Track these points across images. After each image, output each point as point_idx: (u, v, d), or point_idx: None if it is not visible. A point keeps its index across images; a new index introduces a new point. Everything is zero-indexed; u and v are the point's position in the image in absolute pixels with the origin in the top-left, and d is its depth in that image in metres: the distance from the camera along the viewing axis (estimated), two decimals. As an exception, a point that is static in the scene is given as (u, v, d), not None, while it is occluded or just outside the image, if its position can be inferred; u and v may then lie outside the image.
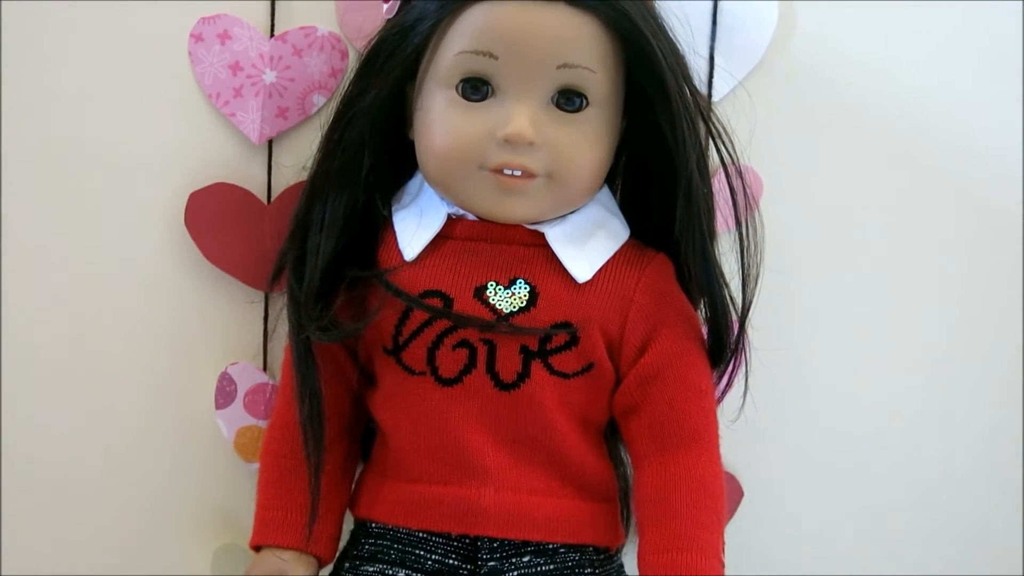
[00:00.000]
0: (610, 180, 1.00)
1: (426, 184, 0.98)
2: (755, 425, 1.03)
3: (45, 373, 1.12)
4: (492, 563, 0.95)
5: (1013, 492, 1.17)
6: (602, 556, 0.98)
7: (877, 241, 1.13)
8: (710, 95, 1.08)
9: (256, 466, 1.03)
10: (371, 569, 0.97)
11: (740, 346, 0.98)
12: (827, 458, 1.16)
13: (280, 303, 1.02)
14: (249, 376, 1.12)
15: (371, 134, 0.96)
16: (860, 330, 1.14)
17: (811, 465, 1.16)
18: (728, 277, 0.98)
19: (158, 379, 1.13)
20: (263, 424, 1.09)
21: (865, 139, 1.12)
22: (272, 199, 1.09)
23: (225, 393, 1.11)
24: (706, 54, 1.07)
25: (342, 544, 1.02)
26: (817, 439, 1.16)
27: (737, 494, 1.14)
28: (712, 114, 0.97)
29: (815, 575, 1.17)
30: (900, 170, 1.12)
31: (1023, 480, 1.17)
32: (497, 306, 0.94)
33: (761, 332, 1.00)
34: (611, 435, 1.02)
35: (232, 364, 1.11)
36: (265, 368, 1.12)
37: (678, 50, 0.95)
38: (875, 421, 1.16)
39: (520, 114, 0.91)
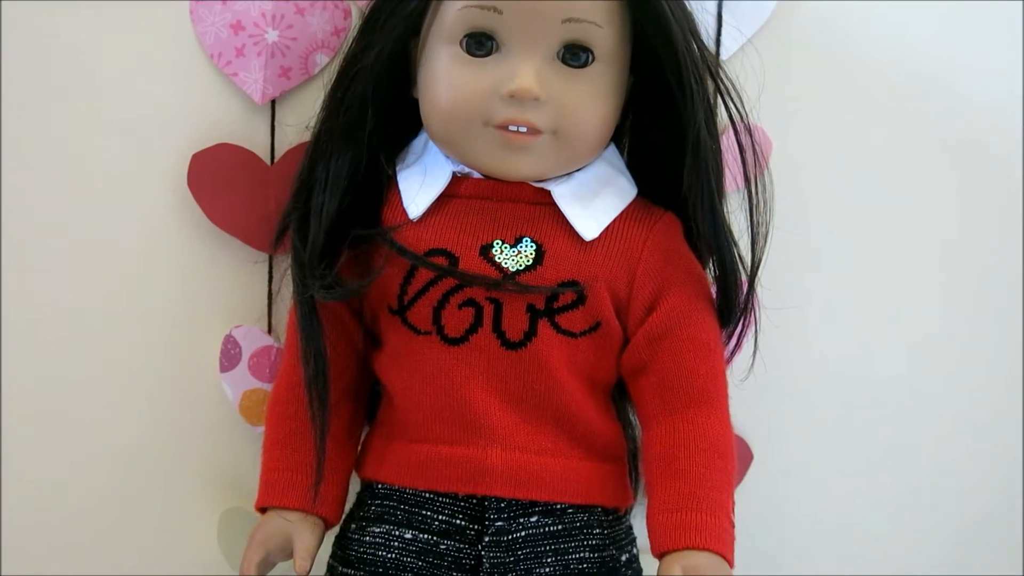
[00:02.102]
0: (617, 138, 0.99)
1: (431, 142, 0.97)
2: (764, 385, 1.02)
3: (47, 336, 1.11)
4: (499, 523, 0.95)
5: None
6: (611, 517, 0.98)
7: (886, 199, 1.13)
8: (718, 53, 1.07)
9: (261, 429, 1.03)
10: (378, 530, 0.97)
11: (749, 305, 0.98)
12: (837, 419, 1.15)
13: (284, 265, 1.02)
14: (253, 339, 1.11)
15: (375, 92, 0.95)
16: (870, 289, 1.14)
17: (821, 426, 1.15)
18: (737, 236, 0.98)
19: (162, 343, 1.12)
20: (268, 387, 1.09)
21: (874, 97, 1.11)
22: (275, 159, 1.09)
23: (229, 356, 1.11)
24: (714, 11, 1.07)
25: (348, 506, 1.01)
26: (827, 399, 1.15)
27: (747, 456, 1.14)
28: (720, 70, 0.96)
29: (824, 538, 1.17)
30: (909, 128, 1.12)
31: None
32: (503, 264, 0.93)
33: (770, 291, 1.00)
34: (619, 396, 1.01)
35: (236, 327, 1.10)
36: (270, 331, 1.11)
37: (685, 5, 0.94)
38: (885, 382, 1.15)
39: (525, 69, 0.90)
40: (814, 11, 1.09)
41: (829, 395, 1.15)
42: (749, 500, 1.08)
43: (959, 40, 1.11)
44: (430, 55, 0.93)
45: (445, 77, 0.92)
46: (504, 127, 0.91)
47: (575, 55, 0.91)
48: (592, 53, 0.91)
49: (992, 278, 1.15)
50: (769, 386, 1.04)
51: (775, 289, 1.00)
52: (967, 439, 1.17)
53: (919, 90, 1.11)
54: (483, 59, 0.91)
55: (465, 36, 0.91)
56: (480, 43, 0.91)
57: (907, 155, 1.12)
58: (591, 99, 0.92)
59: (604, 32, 0.91)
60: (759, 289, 0.98)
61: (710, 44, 1.05)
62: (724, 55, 1.07)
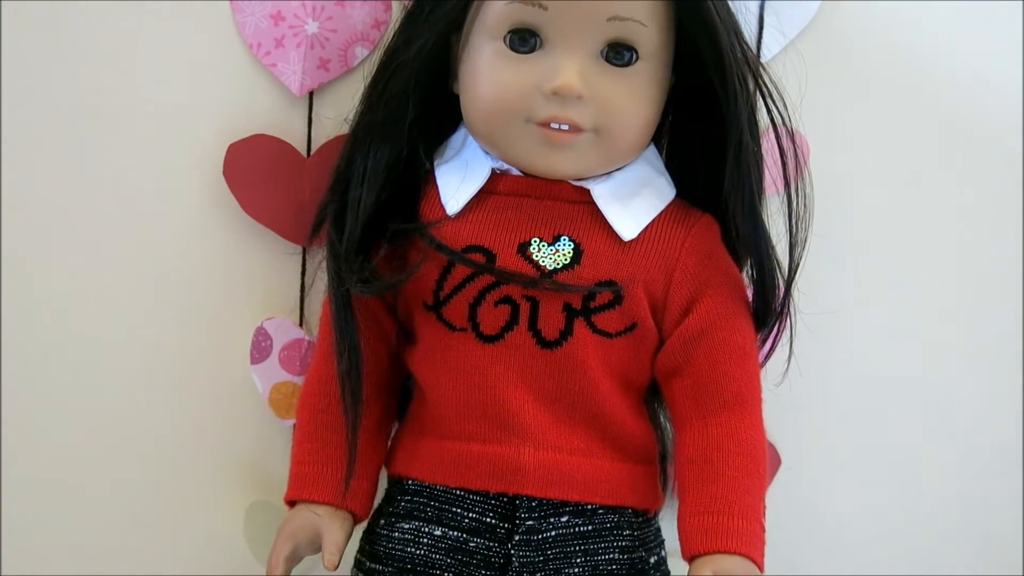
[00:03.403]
0: (656, 139, 0.99)
1: (470, 138, 0.97)
2: (797, 391, 1.02)
3: (79, 325, 1.11)
4: (530, 522, 0.94)
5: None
6: (640, 518, 0.97)
7: (926, 206, 1.12)
8: (759, 54, 1.06)
9: (290, 423, 1.03)
10: (407, 526, 0.96)
11: (785, 309, 0.97)
12: (867, 426, 1.15)
13: (318, 258, 1.01)
14: (285, 331, 1.11)
15: (415, 86, 0.94)
16: (908, 298, 1.13)
17: (851, 433, 1.15)
18: (775, 240, 0.97)
19: (193, 333, 1.12)
20: (298, 380, 1.09)
21: (917, 103, 1.11)
22: (312, 152, 1.08)
23: (260, 348, 1.10)
24: (756, 12, 1.06)
25: (377, 501, 1.01)
26: (858, 406, 1.15)
27: (775, 462, 1.13)
28: (763, 71, 0.96)
29: (850, 545, 1.17)
30: (951, 135, 1.11)
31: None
32: (541, 263, 0.93)
33: (807, 296, 0.99)
34: (651, 398, 1.01)
35: (268, 319, 1.10)
36: (301, 324, 1.11)
37: (730, 6, 0.94)
38: (919, 390, 1.15)
39: (569, 67, 0.89)
40: (857, 13, 1.08)
41: (860, 402, 1.15)
42: (776, 505, 1.07)
43: (1009, 45, 1.10)
44: (473, 50, 0.93)
45: (488, 73, 0.92)
46: (546, 124, 0.90)
47: (619, 54, 0.91)
48: (636, 52, 0.91)
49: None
50: (800, 391, 1.03)
51: (812, 294, 0.99)
52: (1005, 450, 1.16)
53: (961, 96, 1.11)
54: (526, 55, 0.91)
55: (509, 32, 0.91)
56: (524, 39, 0.91)
57: (948, 163, 1.12)
58: (634, 98, 0.92)
59: (648, 31, 0.90)
60: (796, 293, 0.97)
61: (752, 45, 1.05)
62: (766, 56, 1.07)
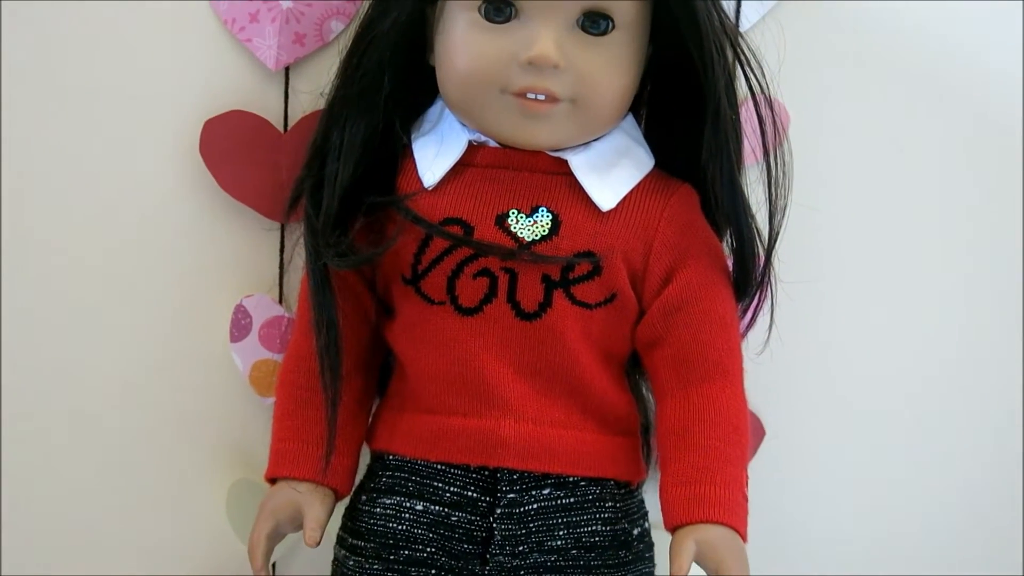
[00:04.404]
0: (634, 109, 0.99)
1: (447, 110, 0.96)
2: (779, 360, 1.01)
3: (56, 304, 1.11)
4: (512, 495, 0.94)
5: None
6: (623, 490, 0.97)
7: (905, 173, 1.12)
8: (738, 24, 1.06)
9: (271, 401, 1.02)
10: (389, 501, 0.96)
11: (766, 278, 0.97)
12: (851, 395, 1.15)
13: (296, 234, 1.01)
14: (265, 308, 1.10)
15: (391, 59, 0.94)
16: (888, 264, 1.13)
17: (835, 402, 1.15)
18: (754, 209, 0.97)
19: (172, 312, 1.11)
20: (278, 358, 1.08)
21: (895, 73, 1.10)
22: (289, 127, 1.08)
23: (240, 326, 1.10)
24: (732, -20, 1.06)
25: (359, 478, 1.01)
26: (842, 375, 1.15)
27: (759, 432, 1.13)
28: (741, 40, 0.95)
29: (835, 514, 1.17)
30: (930, 102, 1.11)
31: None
32: (519, 234, 0.93)
33: (787, 265, 0.99)
34: (632, 369, 1.01)
35: (247, 296, 1.10)
36: (281, 300, 1.11)
37: None
38: (902, 359, 1.15)
39: (544, 36, 0.89)
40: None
41: (843, 371, 1.15)
42: (760, 475, 1.07)
43: (984, 17, 1.10)
44: (448, 21, 0.92)
45: (463, 43, 0.91)
46: (522, 95, 0.90)
47: (595, 23, 0.90)
48: (612, 21, 0.91)
49: (1014, 255, 1.14)
50: (783, 361, 1.03)
51: (791, 263, 0.99)
52: (985, 418, 1.16)
53: (941, 66, 1.11)
54: (502, 25, 0.90)
55: (484, 2, 0.90)
56: (499, 9, 0.90)
57: (926, 131, 1.12)
58: (611, 68, 0.91)
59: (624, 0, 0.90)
60: (776, 262, 0.97)
61: (730, 14, 1.05)
62: (744, 26, 1.06)
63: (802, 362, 1.13)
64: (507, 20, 0.90)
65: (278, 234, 1.09)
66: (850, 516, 1.17)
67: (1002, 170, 1.13)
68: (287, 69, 1.07)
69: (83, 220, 1.10)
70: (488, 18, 0.90)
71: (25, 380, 1.12)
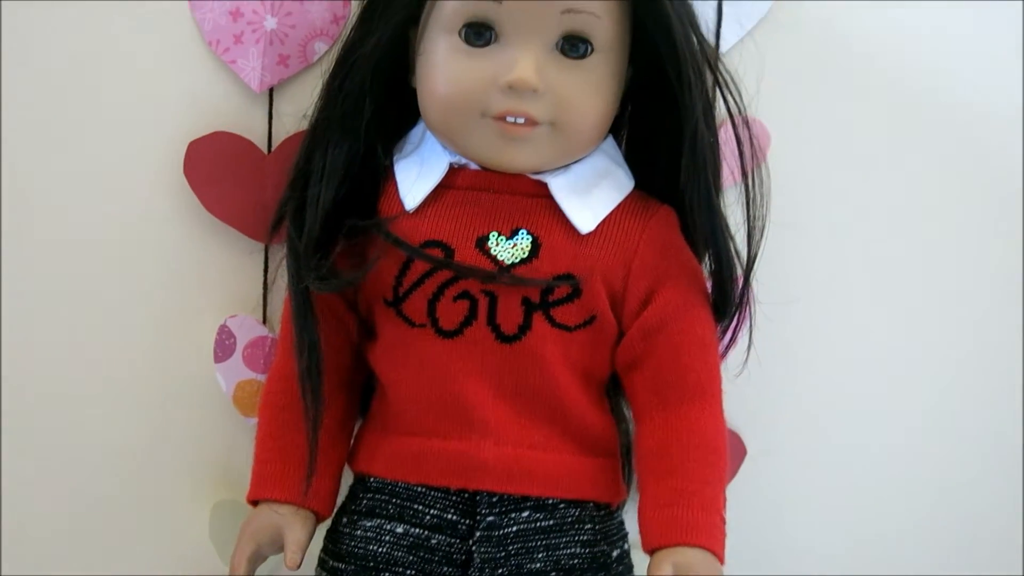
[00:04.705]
0: (615, 130, 0.99)
1: (428, 133, 0.96)
2: (759, 381, 1.03)
3: (41, 324, 1.11)
4: (491, 518, 0.94)
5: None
6: (602, 512, 0.97)
7: (884, 195, 1.13)
8: (718, 45, 1.07)
9: (255, 420, 1.02)
10: (369, 524, 0.96)
11: (745, 300, 0.97)
12: (832, 414, 1.15)
13: (280, 254, 1.01)
14: (248, 329, 1.11)
15: (373, 81, 0.94)
16: (867, 285, 1.14)
17: (815, 422, 1.15)
18: (733, 230, 0.97)
19: (156, 332, 1.12)
20: (262, 378, 1.08)
21: (873, 92, 1.11)
22: (272, 148, 1.08)
23: (224, 346, 1.10)
24: (714, 3, 1.06)
25: (340, 499, 1.01)
26: (822, 395, 1.15)
27: (740, 452, 1.13)
28: (719, 63, 0.96)
29: (818, 533, 1.17)
30: (907, 122, 1.12)
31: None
32: (499, 257, 0.93)
33: (766, 286, 1.00)
34: (613, 390, 1.01)
35: (231, 317, 1.10)
36: (265, 321, 1.11)
37: None
38: (881, 378, 1.15)
39: (524, 60, 0.89)
40: (814, 5, 1.08)
41: (823, 390, 1.15)
42: (742, 495, 1.07)
43: (959, 36, 1.11)
44: (429, 45, 0.93)
45: (443, 67, 0.91)
46: (502, 118, 0.90)
47: (574, 46, 0.91)
48: (591, 44, 0.91)
49: (991, 275, 1.15)
50: (763, 381, 1.04)
51: (770, 284, 1.00)
52: (965, 435, 1.17)
53: (918, 85, 1.11)
54: (482, 49, 0.91)
55: (464, 26, 0.91)
56: (479, 33, 0.91)
57: (905, 150, 1.12)
58: (589, 91, 0.92)
59: (603, 23, 0.90)
60: (755, 283, 0.97)
61: (710, 37, 1.05)
62: (723, 47, 1.07)
63: (783, 381, 1.13)
64: (487, 44, 0.91)
65: (262, 255, 1.10)
66: (832, 533, 1.17)
67: (983, 187, 1.13)
68: (271, 90, 1.08)
69: (68, 240, 1.10)
70: (468, 42, 0.91)
71: (10, 399, 1.12)
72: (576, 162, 0.95)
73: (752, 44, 1.06)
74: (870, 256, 1.13)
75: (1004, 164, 1.13)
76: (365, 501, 0.97)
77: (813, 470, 1.16)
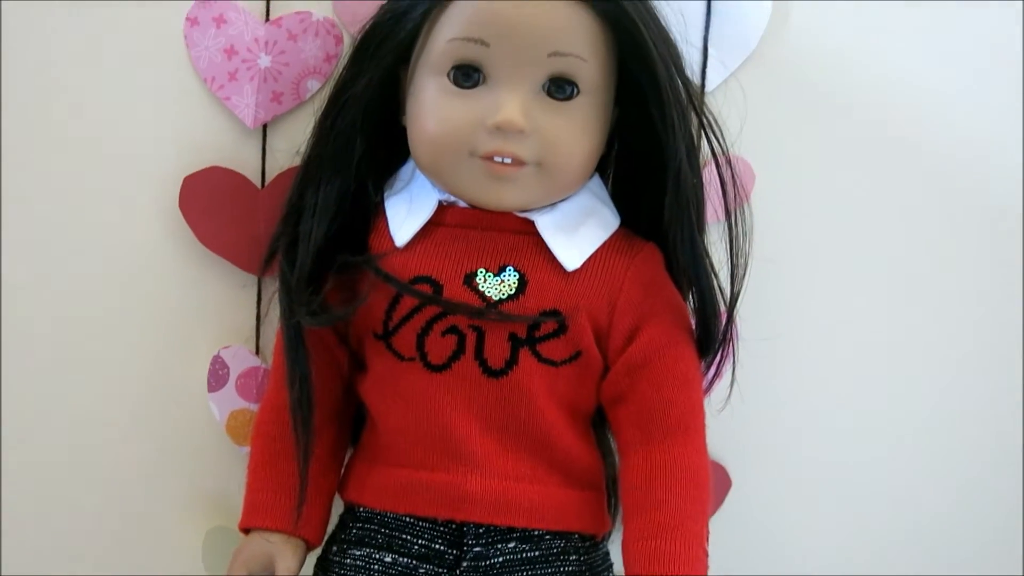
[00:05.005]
0: (602, 169, 1.00)
1: (418, 170, 0.98)
2: (742, 415, 1.04)
3: (39, 354, 1.13)
4: (478, 548, 0.96)
5: (1013, 489, 1.18)
6: (587, 543, 0.99)
7: (867, 233, 1.14)
8: (703, 85, 1.08)
9: (247, 449, 1.04)
10: (358, 552, 0.98)
11: (728, 336, 0.99)
12: (815, 448, 1.16)
13: (273, 287, 1.02)
14: (242, 359, 1.12)
15: (364, 120, 0.96)
16: (848, 321, 1.15)
17: (799, 455, 1.16)
18: (717, 267, 0.98)
19: (151, 361, 1.13)
20: (255, 407, 1.10)
21: (856, 131, 1.12)
22: (266, 183, 1.10)
23: (217, 376, 1.12)
24: (699, 44, 1.08)
25: (331, 527, 1.02)
26: (805, 429, 1.16)
27: (725, 483, 1.15)
28: (704, 106, 0.98)
29: (803, 565, 1.18)
30: (890, 162, 1.13)
31: (1023, 479, 1.18)
32: (486, 293, 0.94)
33: (749, 322, 1.01)
34: (599, 423, 1.02)
35: (225, 347, 1.12)
36: (258, 352, 1.12)
37: (671, 39, 0.95)
38: (862, 412, 1.16)
39: (511, 102, 0.91)
40: (797, 45, 1.10)
41: (806, 425, 1.16)
42: (727, 526, 1.10)
43: (942, 75, 1.12)
44: (418, 85, 0.95)
45: (432, 107, 0.93)
46: (489, 158, 0.92)
47: (560, 88, 0.92)
48: (577, 86, 0.92)
49: (976, 313, 1.16)
50: (747, 415, 1.05)
51: (753, 320, 1.02)
52: (953, 466, 1.18)
53: (902, 123, 1.12)
54: (470, 90, 0.92)
55: (453, 68, 0.92)
56: (467, 75, 0.92)
57: (888, 188, 1.13)
58: (575, 132, 0.93)
59: (589, 66, 0.92)
60: (738, 320, 0.99)
61: (695, 78, 1.07)
62: (708, 87, 1.08)
63: (767, 416, 1.14)
64: (475, 85, 0.92)
65: (255, 287, 1.11)
66: (816, 563, 1.18)
67: (966, 225, 1.14)
68: (264, 126, 1.09)
69: (65, 272, 1.12)
70: (457, 83, 0.92)
71: (9, 428, 1.14)
72: (563, 200, 0.97)
73: (736, 84, 1.07)
74: (852, 292, 1.14)
75: (993, 207, 1.14)
76: (355, 530, 0.99)
77: (797, 502, 1.17)
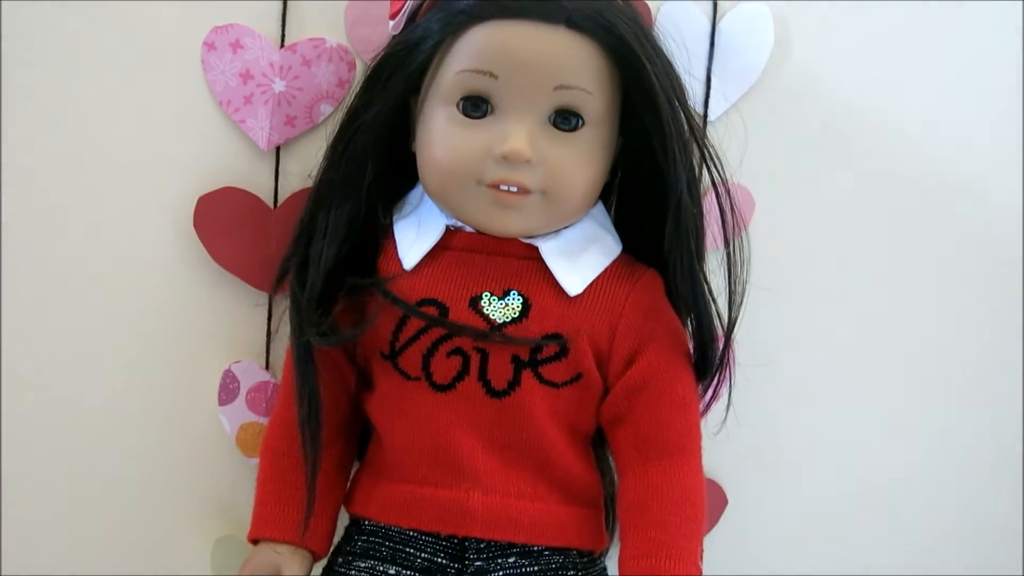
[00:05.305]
0: (605, 196, 1.03)
1: (426, 195, 1.00)
2: (739, 436, 1.05)
3: (56, 366, 1.15)
4: (479, 563, 0.98)
5: (1013, 493, 1.20)
6: (585, 559, 1.01)
7: (866, 262, 1.16)
8: (706, 116, 1.11)
9: (256, 461, 1.06)
10: (363, 565, 1.00)
11: (725, 361, 1.01)
12: (809, 468, 1.19)
13: (283, 304, 1.04)
14: (252, 374, 1.14)
15: (374, 146, 0.98)
16: (843, 346, 1.17)
17: (794, 475, 1.18)
18: (716, 293, 1.00)
19: (164, 375, 1.15)
20: (264, 421, 1.13)
21: (854, 162, 1.14)
22: (278, 204, 1.12)
23: (228, 390, 1.14)
24: (701, 76, 1.10)
25: (337, 539, 1.04)
26: (799, 450, 1.18)
27: (721, 502, 1.17)
28: (706, 139, 0.99)
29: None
30: (886, 192, 1.15)
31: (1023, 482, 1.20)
32: (491, 316, 0.97)
33: (745, 347, 1.03)
34: (599, 443, 1.04)
35: (235, 362, 1.14)
36: (267, 367, 1.14)
37: (674, 74, 0.98)
38: (856, 435, 1.18)
39: (517, 132, 0.93)
40: (798, 77, 1.12)
41: (800, 447, 1.18)
42: (722, 544, 1.12)
43: (941, 103, 1.14)
44: (428, 114, 0.97)
45: (441, 137, 0.95)
46: (496, 186, 0.94)
47: (566, 119, 0.95)
48: (582, 118, 0.95)
49: (976, 344, 1.17)
50: (742, 438, 1.07)
51: (749, 346, 1.04)
52: (943, 491, 1.20)
53: (900, 154, 1.14)
54: (478, 121, 0.94)
55: (462, 99, 0.94)
56: (476, 105, 0.94)
57: (886, 218, 1.15)
58: (579, 162, 0.95)
59: (594, 99, 0.94)
60: (735, 345, 1.01)
61: (699, 107, 1.09)
62: (710, 117, 1.11)
63: (762, 438, 1.16)
64: (483, 116, 0.94)
65: (266, 305, 1.13)
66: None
67: (964, 254, 1.16)
68: (278, 149, 1.11)
69: (84, 288, 1.14)
70: (466, 113, 0.95)
71: (20, 439, 1.16)
72: (566, 227, 0.99)
73: (737, 115, 1.09)
74: (846, 319, 1.16)
75: (993, 234, 1.16)
76: (360, 543, 1.01)
77: (791, 520, 1.19)
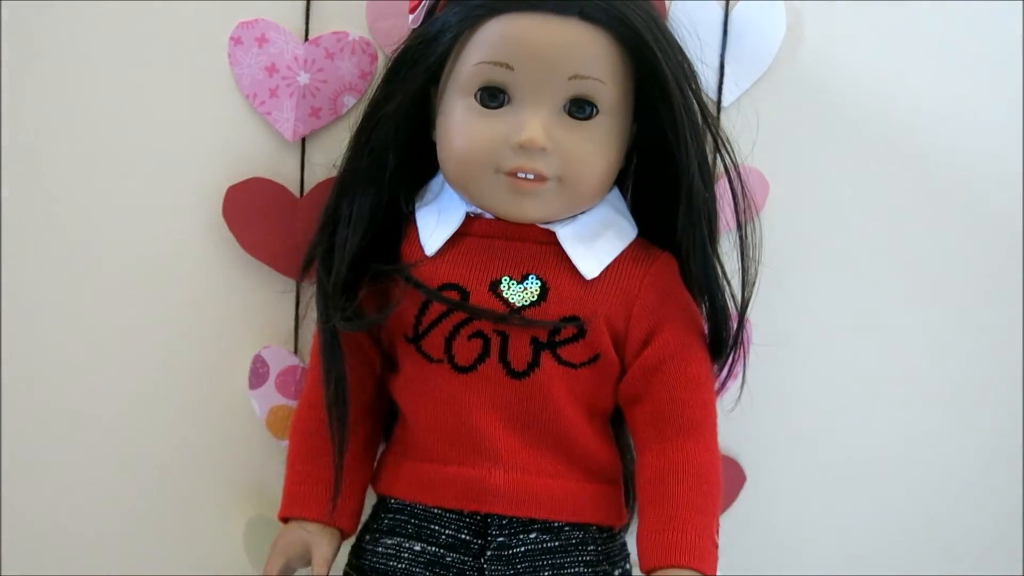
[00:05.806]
0: (621, 181, 1.05)
1: (447, 184, 1.02)
2: (755, 414, 1.08)
3: (92, 354, 1.18)
4: (501, 539, 1.01)
5: (1013, 484, 1.22)
6: (605, 534, 1.03)
7: (876, 243, 1.17)
8: (720, 102, 1.12)
9: (286, 443, 1.08)
10: (390, 542, 1.03)
11: (738, 342, 1.03)
12: (823, 444, 1.20)
13: (310, 291, 1.06)
14: (281, 358, 1.17)
15: (396, 136, 1.01)
16: (855, 325, 1.18)
17: (808, 451, 1.20)
18: (730, 274, 1.02)
19: (196, 360, 1.18)
20: (293, 403, 1.15)
21: (865, 144, 1.16)
22: (304, 193, 1.14)
23: (258, 374, 1.16)
24: (713, 64, 1.12)
25: (364, 517, 1.07)
26: (813, 427, 1.20)
27: (739, 478, 1.19)
28: (719, 127, 1.02)
29: (812, 556, 1.22)
30: (902, 175, 1.16)
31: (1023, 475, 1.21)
32: (510, 300, 0.99)
33: (759, 328, 1.05)
34: (618, 421, 1.07)
35: (265, 347, 1.16)
36: (296, 351, 1.17)
37: (686, 63, 1.00)
38: (868, 412, 1.20)
39: (534, 122, 0.95)
40: (810, 63, 1.13)
41: (814, 426, 1.20)
42: (740, 519, 1.15)
43: (952, 91, 1.15)
44: (447, 105, 0.99)
45: (460, 127, 0.98)
46: (513, 174, 0.96)
47: (580, 108, 0.97)
48: (596, 107, 0.97)
49: (987, 324, 1.19)
50: (757, 416, 1.09)
51: (763, 326, 1.07)
52: (952, 462, 1.22)
53: (912, 138, 1.16)
54: (496, 111, 0.97)
55: (479, 89, 0.97)
56: (493, 96, 0.97)
57: (899, 200, 1.17)
58: (594, 149, 0.98)
59: (607, 88, 0.96)
60: (748, 326, 1.03)
61: (712, 94, 1.11)
62: (724, 103, 1.13)
63: (777, 416, 1.18)
64: (500, 106, 0.97)
65: (294, 291, 1.15)
66: (828, 555, 1.23)
67: (973, 233, 1.18)
68: (303, 140, 1.14)
69: (116, 276, 1.16)
70: (483, 104, 0.97)
71: (55, 424, 1.18)
72: (582, 213, 1.01)
73: (749, 101, 1.11)
74: (859, 300, 1.18)
75: (1003, 217, 1.17)
76: (386, 520, 1.04)
77: (808, 496, 1.21)
